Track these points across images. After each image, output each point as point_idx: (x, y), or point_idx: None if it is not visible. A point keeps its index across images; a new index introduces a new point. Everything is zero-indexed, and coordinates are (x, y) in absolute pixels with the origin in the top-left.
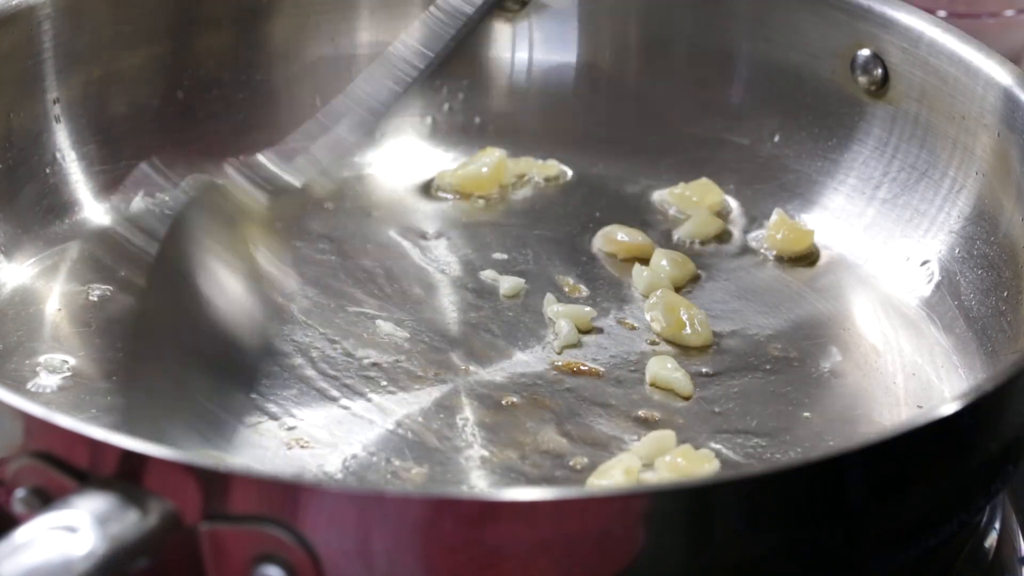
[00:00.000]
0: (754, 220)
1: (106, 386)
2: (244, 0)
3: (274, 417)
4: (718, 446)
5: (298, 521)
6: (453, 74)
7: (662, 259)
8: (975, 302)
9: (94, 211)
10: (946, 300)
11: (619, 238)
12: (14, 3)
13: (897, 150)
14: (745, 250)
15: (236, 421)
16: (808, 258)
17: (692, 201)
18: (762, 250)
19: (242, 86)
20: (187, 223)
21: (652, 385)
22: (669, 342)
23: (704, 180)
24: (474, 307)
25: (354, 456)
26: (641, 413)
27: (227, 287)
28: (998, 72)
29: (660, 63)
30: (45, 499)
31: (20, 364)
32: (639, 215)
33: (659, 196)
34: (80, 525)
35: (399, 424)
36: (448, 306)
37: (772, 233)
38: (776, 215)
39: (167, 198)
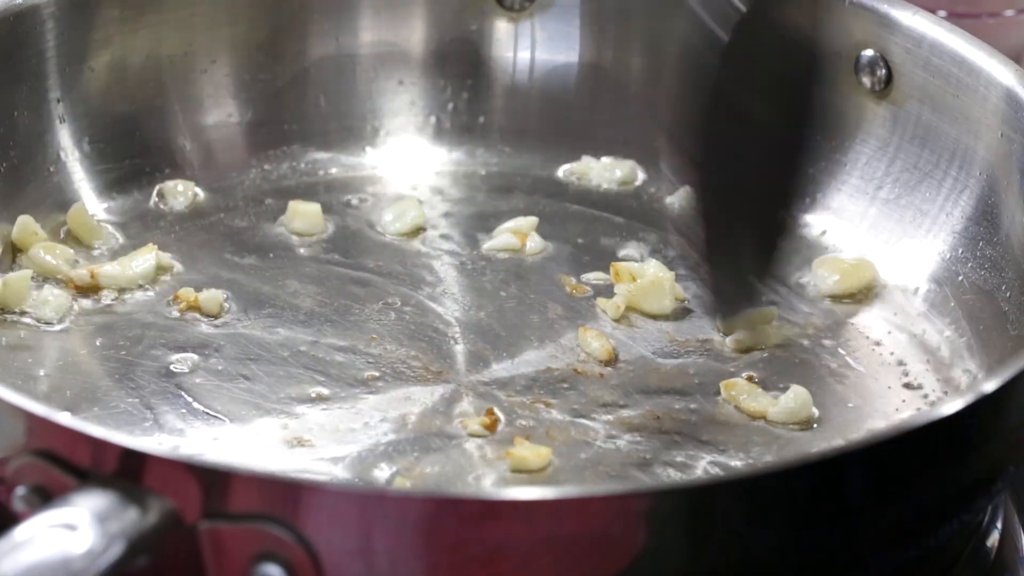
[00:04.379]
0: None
1: (107, 385)
2: (247, 0)
3: (275, 416)
4: (718, 447)
5: (298, 520)
6: (457, 74)
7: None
8: (977, 302)
9: (96, 210)
10: (948, 300)
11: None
12: (18, 1)
13: (899, 150)
14: None
15: None
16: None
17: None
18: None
19: (245, 86)
20: None
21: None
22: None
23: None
24: (477, 306)
25: (355, 455)
26: (643, 413)
27: None
28: (1000, 72)
29: (663, 63)
30: (45, 497)
31: (23, 362)
32: (641, 216)
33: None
34: (80, 523)
35: (400, 423)
36: (451, 305)
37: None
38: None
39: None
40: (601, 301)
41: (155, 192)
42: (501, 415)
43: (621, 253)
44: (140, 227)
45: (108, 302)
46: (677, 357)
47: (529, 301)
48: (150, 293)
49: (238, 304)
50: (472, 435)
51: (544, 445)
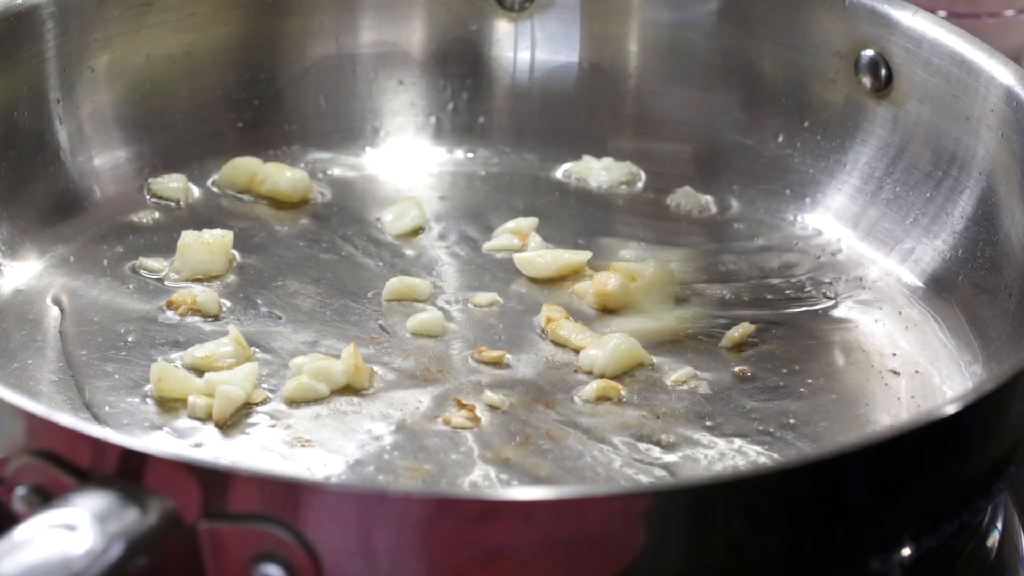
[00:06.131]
0: (758, 222)
1: (107, 385)
2: (247, 0)
3: (275, 416)
4: (718, 446)
5: (298, 520)
6: (457, 74)
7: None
8: (978, 302)
9: (97, 210)
10: (948, 300)
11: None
12: (18, 1)
13: (899, 150)
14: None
15: None
16: None
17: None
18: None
19: (246, 86)
20: None
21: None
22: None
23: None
24: (475, 306)
25: (355, 455)
26: (643, 413)
27: None
28: (1001, 72)
29: (663, 63)
30: (45, 497)
31: (23, 363)
32: (641, 216)
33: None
34: (80, 523)
35: (400, 423)
36: (450, 305)
37: None
38: None
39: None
40: (577, 288)
41: (145, 189)
42: (500, 415)
43: (621, 253)
44: (139, 227)
45: (105, 302)
46: (677, 356)
47: (529, 302)
48: (149, 292)
49: (238, 304)
50: (457, 427)
51: (543, 446)
